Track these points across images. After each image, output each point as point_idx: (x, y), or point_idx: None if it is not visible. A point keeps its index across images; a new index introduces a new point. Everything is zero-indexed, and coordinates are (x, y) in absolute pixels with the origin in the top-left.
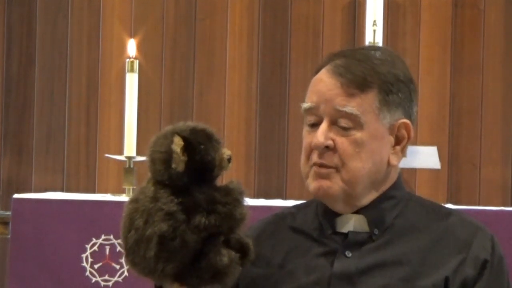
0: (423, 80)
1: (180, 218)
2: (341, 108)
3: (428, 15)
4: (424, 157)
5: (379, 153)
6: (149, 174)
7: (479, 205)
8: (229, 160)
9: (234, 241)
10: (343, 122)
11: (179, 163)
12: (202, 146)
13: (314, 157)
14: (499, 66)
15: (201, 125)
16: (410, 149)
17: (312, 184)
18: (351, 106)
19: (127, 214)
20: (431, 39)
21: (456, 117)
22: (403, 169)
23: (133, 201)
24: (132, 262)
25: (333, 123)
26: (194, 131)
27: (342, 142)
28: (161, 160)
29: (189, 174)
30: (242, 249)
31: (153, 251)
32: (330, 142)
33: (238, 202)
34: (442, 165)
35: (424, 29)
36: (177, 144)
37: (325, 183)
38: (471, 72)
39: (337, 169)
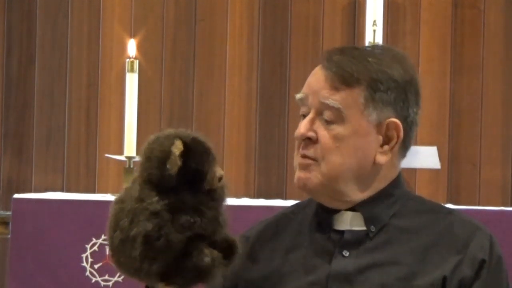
0: (423, 80)
1: (165, 217)
2: (324, 101)
3: (428, 15)
4: (424, 157)
5: (363, 150)
6: (135, 175)
7: (479, 205)
8: (219, 179)
9: (220, 239)
10: (326, 115)
11: (173, 165)
12: (199, 157)
13: (300, 148)
14: (499, 66)
15: (203, 137)
16: (410, 149)
17: (296, 175)
18: (334, 99)
19: (113, 214)
20: (431, 39)
21: (456, 117)
22: (403, 169)
23: (119, 201)
24: (117, 262)
25: (318, 115)
26: (195, 140)
27: (323, 135)
28: (158, 158)
29: (178, 179)
30: (228, 247)
31: (138, 251)
32: (312, 134)
33: (222, 206)
34: (442, 165)
35: (424, 29)
36: (177, 147)
37: (304, 175)
38: (471, 72)
39: (317, 161)
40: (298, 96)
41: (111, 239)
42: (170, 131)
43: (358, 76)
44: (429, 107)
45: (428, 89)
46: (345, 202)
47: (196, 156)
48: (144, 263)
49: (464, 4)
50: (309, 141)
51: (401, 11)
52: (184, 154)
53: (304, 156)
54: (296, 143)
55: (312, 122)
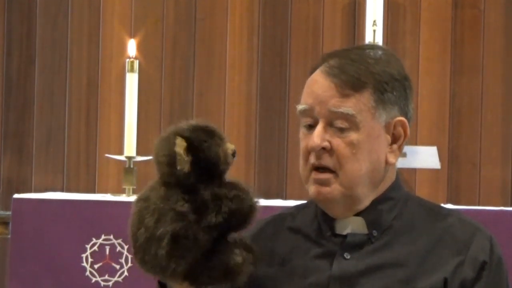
0: (423, 80)
1: (191, 218)
2: (336, 109)
3: (428, 15)
4: (424, 157)
5: (376, 152)
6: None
7: (479, 205)
8: (233, 154)
9: (240, 242)
10: (339, 123)
11: (184, 164)
12: (205, 144)
13: (312, 159)
14: (499, 66)
15: (202, 122)
16: (410, 149)
17: (311, 189)
18: (346, 107)
19: (136, 211)
20: (431, 39)
21: (456, 117)
22: (403, 169)
23: (143, 199)
24: (141, 260)
25: (328, 124)
26: (195, 129)
27: (338, 143)
28: (166, 163)
29: (196, 172)
30: (248, 251)
31: (165, 250)
32: (326, 144)
33: (245, 194)
34: (442, 165)
35: (424, 29)
36: (180, 145)
37: (324, 190)
38: (471, 72)
39: (335, 172)
40: (300, 107)
41: (135, 236)
42: (169, 130)
43: (364, 80)
44: (429, 107)
45: (428, 89)
46: (355, 210)
47: (202, 144)
48: (171, 262)
49: (464, 4)
50: (323, 151)
51: (401, 11)
52: (189, 148)
53: (320, 166)
54: (302, 154)
55: (324, 131)
